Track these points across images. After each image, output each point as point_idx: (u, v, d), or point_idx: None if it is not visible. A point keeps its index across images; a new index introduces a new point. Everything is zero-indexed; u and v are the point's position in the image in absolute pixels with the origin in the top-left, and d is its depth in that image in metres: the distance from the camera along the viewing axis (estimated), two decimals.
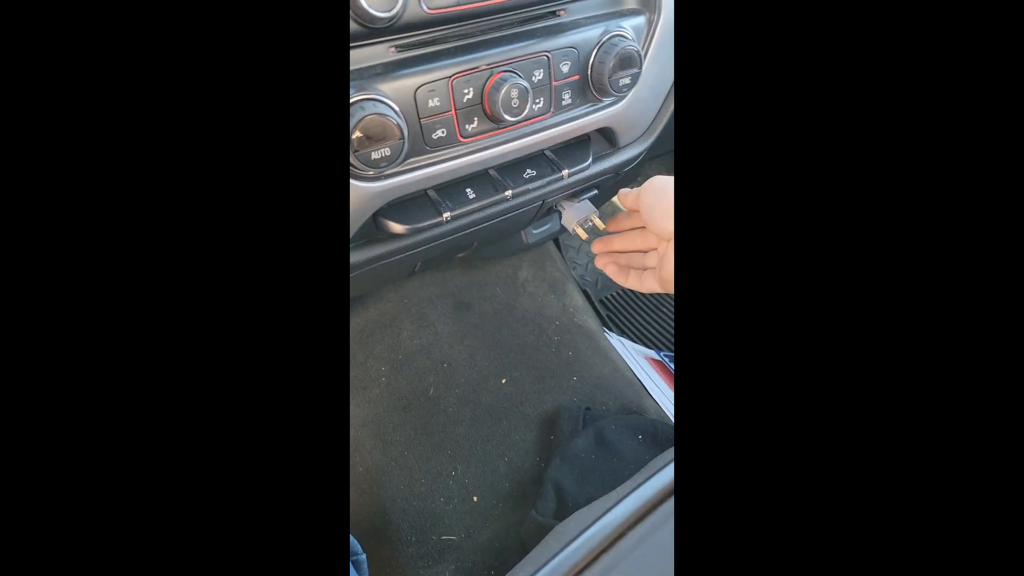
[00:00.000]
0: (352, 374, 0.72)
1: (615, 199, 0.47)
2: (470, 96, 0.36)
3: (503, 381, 0.72)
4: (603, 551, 0.26)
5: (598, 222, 0.47)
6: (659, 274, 0.39)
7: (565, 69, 0.39)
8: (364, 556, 0.50)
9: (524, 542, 0.55)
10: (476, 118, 0.37)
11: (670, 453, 0.33)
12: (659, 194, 0.38)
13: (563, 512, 0.54)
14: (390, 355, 0.74)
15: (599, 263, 0.45)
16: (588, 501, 0.55)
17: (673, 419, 0.67)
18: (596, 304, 0.93)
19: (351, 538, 0.50)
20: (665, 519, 0.26)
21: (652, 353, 0.84)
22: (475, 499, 0.62)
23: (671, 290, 0.39)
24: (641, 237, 0.43)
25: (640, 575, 0.24)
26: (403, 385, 0.71)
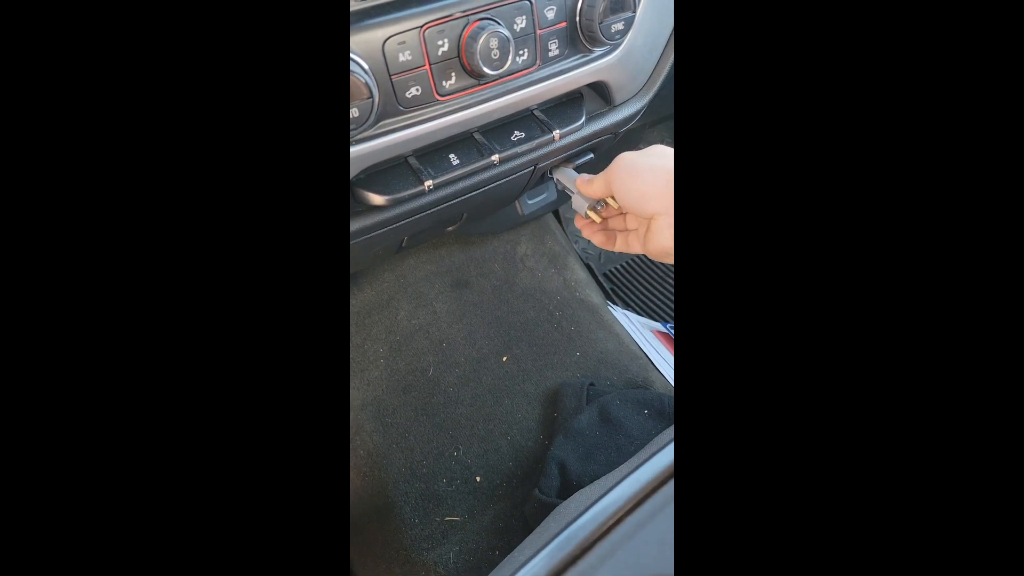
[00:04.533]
0: (350, 356, 0.71)
1: (576, 190, 0.43)
2: (445, 48, 0.32)
3: (504, 359, 0.70)
4: (602, 535, 0.24)
5: (611, 202, 0.43)
6: (646, 247, 0.38)
7: (550, 15, 0.35)
8: None
9: (528, 521, 0.54)
10: (453, 73, 0.33)
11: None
12: (629, 177, 0.36)
13: (567, 490, 0.52)
14: (388, 336, 0.72)
15: (585, 234, 0.43)
16: (592, 479, 0.53)
17: None
18: (600, 278, 0.90)
19: None
20: (666, 502, 0.24)
21: (658, 326, 0.82)
22: (478, 479, 0.60)
23: (659, 259, 0.37)
24: (624, 218, 0.42)
25: (638, 560, 0.22)
26: (402, 366, 0.69)
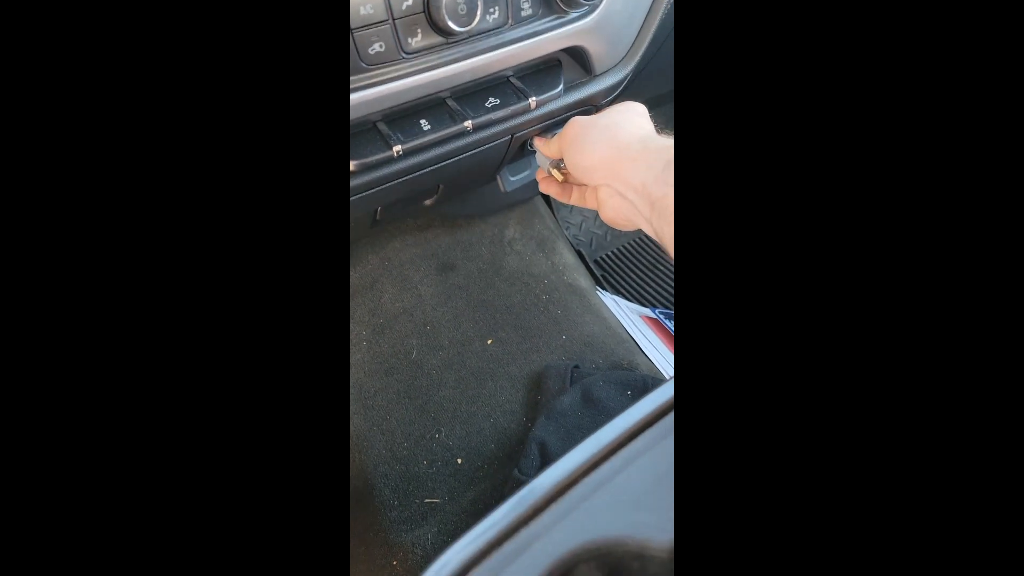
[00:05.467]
0: None
1: (537, 146, 0.44)
2: (410, 3, 0.31)
3: (489, 342, 0.69)
4: (556, 496, 0.23)
5: None
6: (599, 212, 0.37)
7: None
8: None
9: None
10: (419, 30, 0.32)
11: (649, 397, 0.31)
12: (576, 146, 0.35)
13: None
14: (371, 319, 0.71)
15: (542, 187, 0.43)
16: None
17: (666, 375, 0.64)
18: (590, 264, 0.89)
19: None
20: (624, 464, 0.23)
21: (647, 311, 0.81)
22: (459, 461, 0.59)
23: (610, 225, 0.36)
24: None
25: (593, 521, 0.21)
26: (385, 349, 0.68)
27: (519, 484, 0.51)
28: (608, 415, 0.55)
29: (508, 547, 0.21)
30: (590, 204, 0.38)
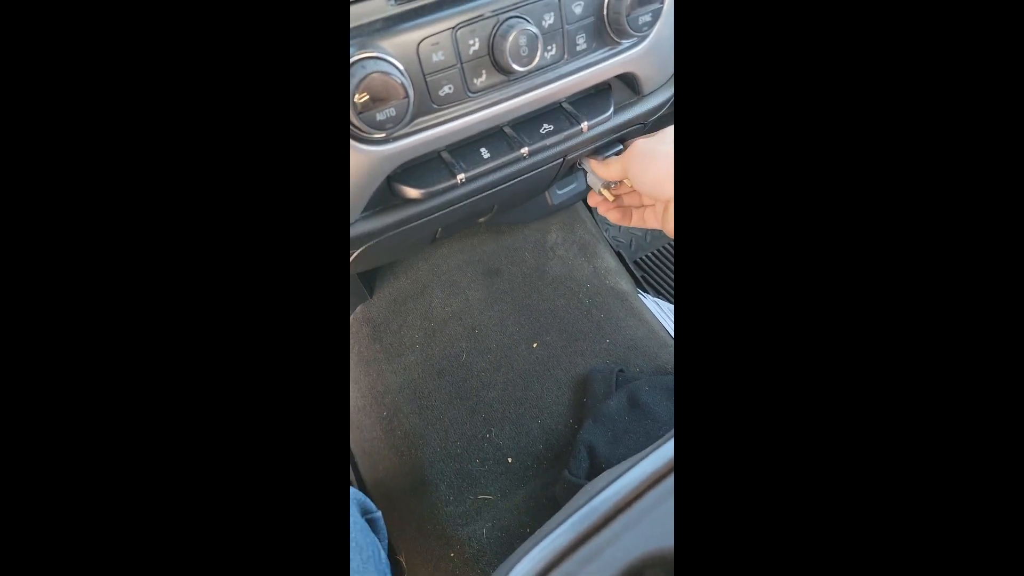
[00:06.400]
0: (387, 342, 0.74)
1: (590, 168, 0.45)
2: (476, 47, 0.34)
3: (534, 345, 0.71)
4: (625, 507, 0.25)
5: (628, 181, 0.45)
6: (665, 226, 0.39)
7: (578, 11, 0.36)
8: (379, 513, 0.51)
9: (558, 501, 0.56)
10: (484, 71, 0.35)
11: None
12: (644, 162, 0.37)
13: (595, 472, 0.54)
14: (422, 323, 0.75)
15: (601, 211, 0.45)
16: (620, 461, 0.55)
17: None
18: (630, 265, 0.90)
19: (365, 497, 0.52)
20: None
21: None
22: (509, 460, 0.63)
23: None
24: (640, 194, 0.43)
25: (659, 529, 0.23)
26: (436, 351, 0.72)
27: (570, 486, 0.53)
28: (655, 420, 0.58)
29: (583, 551, 0.23)
30: (650, 224, 0.41)
